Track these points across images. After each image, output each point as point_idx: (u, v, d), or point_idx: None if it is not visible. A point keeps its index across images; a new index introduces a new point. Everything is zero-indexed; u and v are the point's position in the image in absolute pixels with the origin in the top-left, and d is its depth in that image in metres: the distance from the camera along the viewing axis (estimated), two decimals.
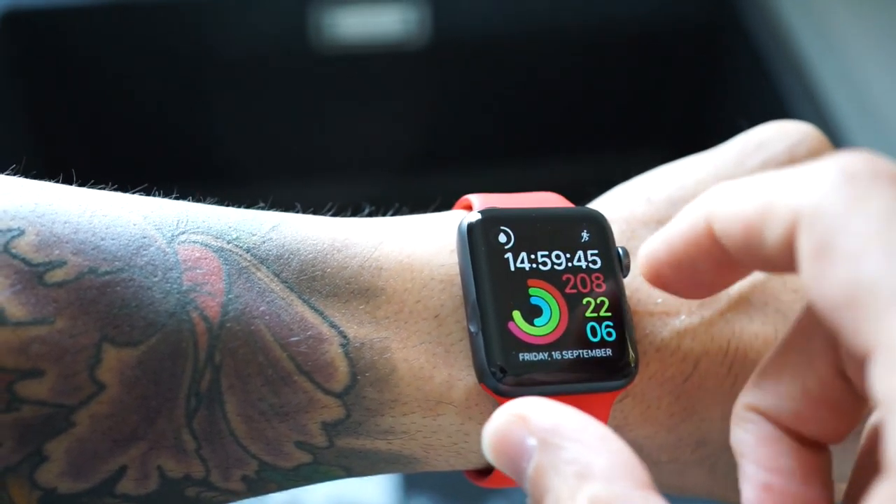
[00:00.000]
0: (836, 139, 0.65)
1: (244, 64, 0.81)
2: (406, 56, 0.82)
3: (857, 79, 0.73)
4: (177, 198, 0.27)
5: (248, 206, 0.28)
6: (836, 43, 0.75)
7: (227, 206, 0.28)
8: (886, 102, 0.71)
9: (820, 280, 0.18)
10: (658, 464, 0.29)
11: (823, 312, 0.18)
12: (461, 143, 0.88)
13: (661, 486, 0.30)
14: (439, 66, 0.83)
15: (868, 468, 0.21)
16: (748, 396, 0.23)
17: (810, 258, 0.18)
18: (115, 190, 0.27)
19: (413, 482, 0.71)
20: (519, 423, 0.20)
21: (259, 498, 0.29)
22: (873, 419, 0.22)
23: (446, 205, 0.31)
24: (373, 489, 0.71)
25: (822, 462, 0.21)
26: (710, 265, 0.22)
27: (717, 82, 0.83)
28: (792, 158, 0.30)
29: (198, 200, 0.27)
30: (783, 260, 0.20)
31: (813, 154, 0.31)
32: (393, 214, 0.29)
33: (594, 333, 0.26)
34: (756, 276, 0.29)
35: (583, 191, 0.35)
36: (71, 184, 0.27)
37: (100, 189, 0.27)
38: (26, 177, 0.26)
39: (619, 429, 0.27)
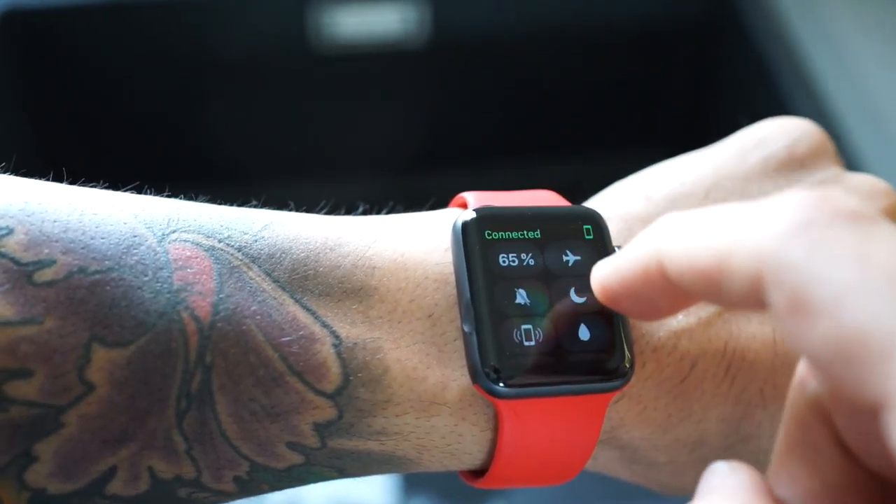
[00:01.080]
0: (837, 138, 0.65)
1: (243, 64, 0.81)
2: (406, 56, 0.81)
3: (858, 79, 0.72)
4: (168, 196, 0.27)
5: (240, 205, 0.28)
6: (836, 43, 0.75)
7: (220, 204, 0.27)
8: (887, 102, 0.71)
9: (804, 337, 0.17)
10: (655, 465, 0.28)
11: (818, 369, 0.18)
12: (461, 143, 0.88)
13: (660, 486, 0.30)
14: (439, 66, 0.82)
15: None
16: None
17: (787, 315, 0.18)
18: (113, 189, 0.27)
19: (413, 482, 0.71)
20: None
21: (258, 498, 0.29)
22: None
23: (444, 205, 0.30)
24: (373, 489, 0.71)
25: None
26: (665, 297, 0.21)
27: (717, 82, 0.83)
28: (792, 155, 0.30)
29: (189, 199, 0.27)
30: (748, 306, 0.19)
31: (813, 151, 0.30)
32: (387, 213, 0.29)
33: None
34: None
35: (583, 191, 0.34)
36: (70, 183, 0.26)
37: (92, 187, 0.27)
38: (24, 176, 0.26)
39: (615, 430, 0.27)
